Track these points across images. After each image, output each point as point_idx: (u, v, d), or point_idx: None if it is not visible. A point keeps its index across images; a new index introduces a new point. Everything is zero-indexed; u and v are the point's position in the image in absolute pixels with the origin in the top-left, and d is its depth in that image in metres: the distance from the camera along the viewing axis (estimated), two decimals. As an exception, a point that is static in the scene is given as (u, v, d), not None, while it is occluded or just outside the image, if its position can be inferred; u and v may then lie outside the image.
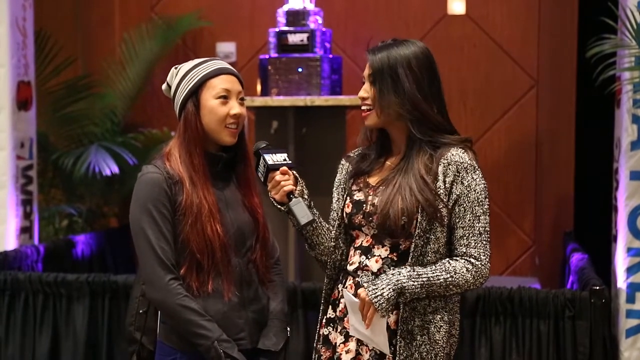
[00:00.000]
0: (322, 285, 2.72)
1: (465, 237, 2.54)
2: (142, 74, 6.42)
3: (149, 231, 2.53)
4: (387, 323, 2.53)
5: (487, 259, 2.55)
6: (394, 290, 2.47)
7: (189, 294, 2.54)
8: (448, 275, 2.51)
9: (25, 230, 5.22)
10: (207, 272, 2.56)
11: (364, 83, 2.63)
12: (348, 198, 2.65)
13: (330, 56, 5.45)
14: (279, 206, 2.62)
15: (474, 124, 6.18)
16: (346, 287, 2.61)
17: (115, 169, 5.90)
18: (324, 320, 2.70)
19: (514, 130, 6.24)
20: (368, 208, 2.59)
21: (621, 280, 4.20)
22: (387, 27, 6.21)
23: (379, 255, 2.58)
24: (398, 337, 2.52)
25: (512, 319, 4.05)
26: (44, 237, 5.91)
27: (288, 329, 2.71)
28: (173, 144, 2.65)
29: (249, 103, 5.12)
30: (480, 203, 2.54)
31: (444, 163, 2.54)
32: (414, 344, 2.53)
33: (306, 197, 2.65)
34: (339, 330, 2.64)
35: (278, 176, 2.60)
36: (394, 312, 2.54)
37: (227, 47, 6.53)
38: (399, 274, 2.49)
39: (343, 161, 2.76)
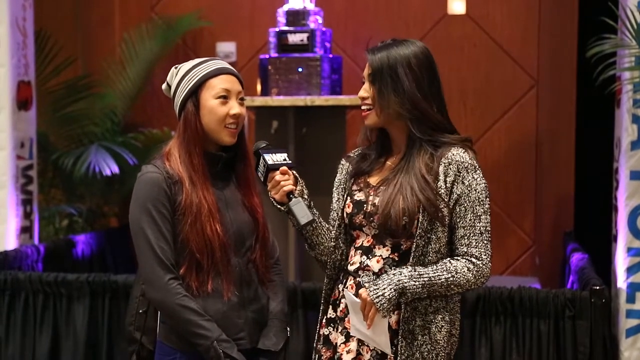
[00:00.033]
0: (322, 285, 2.72)
1: (466, 237, 2.54)
2: (142, 74, 6.42)
3: (148, 231, 2.53)
4: (389, 323, 2.53)
5: (488, 259, 2.55)
6: (395, 290, 2.47)
7: (189, 293, 2.54)
8: (449, 275, 2.51)
9: (26, 230, 5.22)
10: (207, 271, 2.56)
11: (363, 83, 2.63)
12: (348, 198, 2.65)
13: (331, 56, 5.45)
14: (278, 206, 2.62)
15: (474, 123, 6.18)
16: (347, 287, 2.61)
17: (116, 169, 5.90)
18: (324, 320, 2.70)
19: (514, 130, 6.24)
20: (369, 208, 2.59)
21: (621, 280, 4.20)
22: (387, 27, 6.21)
23: (380, 255, 2.57)
24: (399, 337, 2.52)
25: (512, 318, 4.05)
26: (44, 237, 5.91)
27: (288, 329, 2.71)
28: (173, 143, 2.65)
29: (249, 103, 5.13)
30: (481, 202, 2.54)
31: (444, 163, 2.55)
32: (415, 343, 2.53)
33: (306, 197, 2.65)
34: (339, 331, 2.64)
35: (278, 176, 2.60)
36: (395, 312, 2.54)
37: (227, 47, 6.53)
38: (400, 274, 2.49)
39: (343, 161, 2.76)
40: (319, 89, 5.33)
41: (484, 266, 2.54)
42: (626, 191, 4.21)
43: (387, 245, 2.57)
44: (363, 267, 2.59)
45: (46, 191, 6.30)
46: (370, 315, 2.48)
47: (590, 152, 5.91)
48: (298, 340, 4.19)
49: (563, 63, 6.12)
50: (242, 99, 2.66)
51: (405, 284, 2.48)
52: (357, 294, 2.55)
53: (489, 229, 2.56)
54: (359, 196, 2.63)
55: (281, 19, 5.50)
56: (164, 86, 2.72)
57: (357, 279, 2.60)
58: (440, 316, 2.57)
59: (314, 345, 2.73)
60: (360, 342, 2.59)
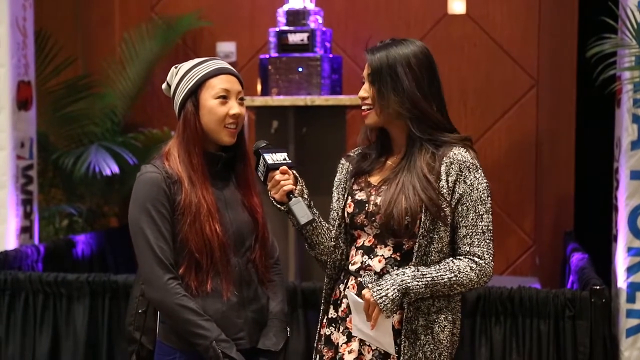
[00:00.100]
0: (322, 285, 2.71)
1: (468, 236, 2.54)
2: (142, 74, 6.42)
3: (147, 231, 2.53)
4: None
5: (491, 258, 2.55)
6: (398, 290, 2.47)
7: (188, 293, 2.54)
8: (452, 275, 2.51)
9: (26, 230, 5.22)
10: (206, 271, 2.56)
11: (363, 83, 2.63)
12: (349, 198, 2.65)
13: (331, 56, 5.45)
14: (278, 206, 2.62)
15: (474, 123, 6.18)
16: (348, 287, 2.61)
17: (116, 169, 5.91)
18: (324, 320, 2.70)
19: (514, 129, 6.25)
20: (370, 208, 2.59)
21: (621, 280, 4.20)
22: (388, 26, 6.21)
23: (382, 255, 2.57)
24: (402, 336, 2.52)
25: (512, 318, 4.05)
26: (44, 237, 5.91)
27: (288, 328, 2.71)
28: (172, 143, 2.65)
29: (249, 103, 5.13)
30: (483, 202, 2.55)
31: (446, 162, 2.54)
32: (418, 343, 2.53)
33: (306, 196, 2.65)
34: (341, 331, 2.64)
35: (278, 175, 2.60)
36: (397, 312, 2.54)
37: (227, 47, 6.53)
38: (404, 274, 2.49)
39: (343, 161, 2.76)
40: (319, 89, 5.33)
41: (486, 265, 2.54)
42: (626, 191, 4.21)
43: (388, 245, 2.57)
44: (364, 267, 2.59)
45: (46, 191, 6.30)
46: (374, 316, 2.48)
47: (590, 152, 5.91)
48: (298, 340, 4.19)
49: (563, 63, 6.12)
50: (241, 99, 2.65)
51: (409, 284, 2.48)
52: (358, 294, 2.55)
53: (491, 228, 2.56)
54: (360, 196, 2.63)
55: (281, 18, 5.50)
56: (164, 86, 2.72)
57: (359, 278, 2.59)
58: (443, 316, 2.57)
59: (315, 345, 2.73)
60: (362, 342, 2.59)
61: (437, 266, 2.52)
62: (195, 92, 2.61)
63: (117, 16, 6.71)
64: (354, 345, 2.59)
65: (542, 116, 6.20)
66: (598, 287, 3.98)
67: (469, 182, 2.54)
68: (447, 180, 2.54)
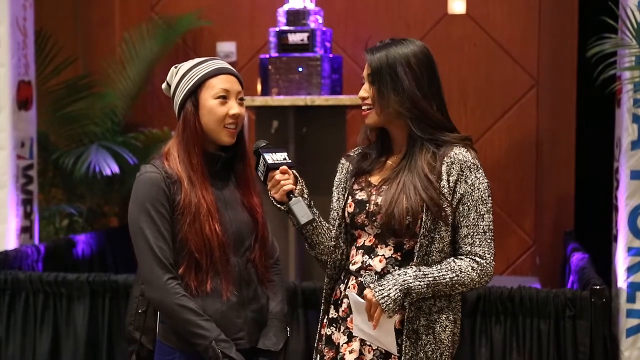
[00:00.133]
0: (323, 285, 2.71)
1: (469, 236, 2.54)
2: (143, 74, 6.42)
3: (147, 230, 2.53)
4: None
5: (492, 257, 2.55)
6: (400, 290, 2.47)
7: (188, 293, 2.54)
8: (454, 275, 2.51)
9: (26, 230, 5.22)
10: (206, 271, 2.56)
11: (363, 83, 2.63)
12: (350, 197, 2.65)
13: (331, 56, 5.45)
14: (278, 205, 2.62)
15: (474, 123, 6.18)
16: (349, 287, 2.61)
17: (116, 169, 5.91)
18: (325, 320, 2.70)
19: (514, 129, 6.25)
20: (371, 207, 2.59)
21: (622, 280, 4.20)
22: (388, 26, 6.21)
23: (383, 255, 2.57)
24: (404, 336, 2.52)
25: (512, 318, 4.05)
26: (45, 237, 5.91)
27: (288, 328, 2.71)
28: (172, 143, 2.65)
29: (250, 103, 5.13)
30: (484, 202, 2.55)
31: (447, 162, 2.55)
32: (419, 343, 2.53)
33: (306, 196, 2.65)
34: (342, 331, 2.63)
35: (278, 175, 2.60)
36: (399, 312, 2.53)
37: (227, 47, 6.53)
38: (405, 274, 2.49)
39: (343, 160, 2.76)
40: (319, 89, 5.33)
41: (487, 265, 2.54)
42: (626, 191, 4.21)
43: (389, 245, 2.57)
44: (365, 267, 2.59)
45: (46, 191, 6.30)
46: (376, 316, 2.48)
47: (590, 152, 5.91)
48: (298, 340, 4.19)
49: (563, 63, 6.12)
50: (241, 99, 2.65)
51: (411, 284, 2.48)
52: (359, 294, 2.55)
53: (492, 227, 2.56)
54: (361, 195, 2.63)
55: (281, 18, 5.49)
56: (163, 86, 2.72)
57: (359, 278, 2.59)
58: (445, 315, 2.57)
59: (315, 345, 2.73)
60: (363, 342, 2.59)
61: (439, 266, 2.52)
62: (195, 92, 2.61)
63: (117, 16, 6.71)
64: (355, 345, 2.59)
65: (542, 116, 6.20)
66: (598, 287, 3.98)
67: (470, 182, 2.54)
68: (448, 180, 2.54)
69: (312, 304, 4.18)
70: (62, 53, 6.21)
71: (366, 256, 2.60)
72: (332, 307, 2.69)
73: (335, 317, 2.67)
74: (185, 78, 2.62)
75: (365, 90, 2.62)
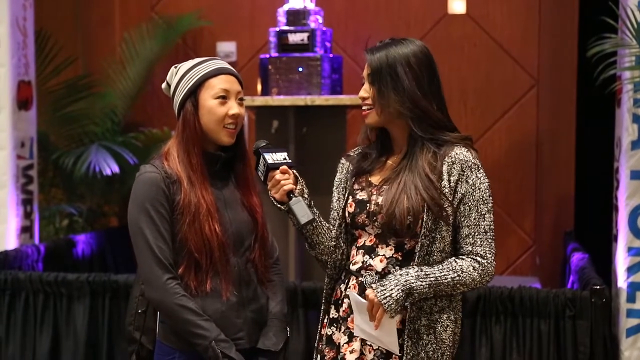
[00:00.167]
0: (323, 285, 2.71)
1: (470, 236, 2.54)
2: (143, 74, 6.42)
3: (146, 230, 2.53)
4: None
5: (493, 257, 2.56)
6: (402, 291, 2.47)
7: (187, 293, 2.54)
8: (455, 275, 2.51)
9: (26, 230, 5.22)
10: (206, 271, 2.56)
11: (364, 83, 2.63)
12: (350, 197, 2.65)
13: (331, 55, 5.45)
14: (279, 205, 2.62)
15: (474, 123, 6.18)
16: (349, 287, 2.61)
17: (116, 169, 5.91)
18: (325, 320, 2.70)
19: (514, 129, 6.24)
20: (372, 207, 2.58)
21: (622, 280, 4.20)
22: (388, 26, 6.21)
23: (384, 255, 2.57)
24: (405, 336, 2.52)
25: (512, 318, 4.05)
26: (45, 237, 5.91)
27: (288, 328, 2.70)
28: (171, 143, 2.65)
29: (250, 103, 5.12)
30: (485, 201, 2.55)
31: (448, 162, 2.55)
32: (421, 343, 2.53)
33: (306, 196, 2.65)
34: (342, 330, 2.63)
35: (278, 175, 2.60)
36: (400, 312, 2.53)
37: (227, 47, 6.53)
38: (407, 275, 2.49)
39: (343, 160, 2.76)
40: (319, 89, 5.33)
41: (488, 265, 2.54)
42: (626, 191, 4.21)
43: (390, 245, 2.57)
44: (366, 267, 2.59)
45: (46, 191, 6.30)
46: (378, 316, 2.48)
47: (590, 152, 5.90)
48: (298, 340, 4.19)
49: (563, 63, 6.12)
50: (241, 99, 2.65)
51: (413, 285, 2.48)
52: (360, 294, 2.55)
53: (493, 227, 2.57)
54: (361, 195, 2.63)
55: (281, 18, 5.49)
56: (163, 85, 2.72)
57: (360, 278, 2.59)
58: (446, 315, 2.57)
59: (315, 345, 2.73)
60: (364, 342, 2.59)
61: (440, 266, 2.52)
62: (194, 92, 2.61)
63: (117, 16, 6.71)
64: (356, 345, 2.59)
65: (543, 116, 6.20)
66: (598, 287, 3.98)
67: (471, 182, 2.54)
68: (449, 180, 2.54)
69: (312, 304, 4.18)
70: (62, 53, 6.22)
71: (367, 256, 2.60)
72: (332, 307, 2.68)
73: (335, 317, 2.67)
74: (185, 78, 2.62)
75: (365, 91, 2.62)
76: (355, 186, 2.66)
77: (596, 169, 5.46)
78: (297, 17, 5.46)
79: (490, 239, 2.55)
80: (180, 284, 2.54)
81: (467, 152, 2.57)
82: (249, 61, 6.44)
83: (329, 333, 2.67)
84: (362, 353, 2.59)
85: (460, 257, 2.55)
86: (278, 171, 2.61)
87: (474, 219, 2.54)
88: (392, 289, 2.47)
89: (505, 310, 4.05)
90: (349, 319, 2.61)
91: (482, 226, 2.54)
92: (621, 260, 4.21)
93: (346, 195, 2.67)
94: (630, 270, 4.17)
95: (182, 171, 2.58)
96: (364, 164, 2.68)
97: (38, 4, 5.53)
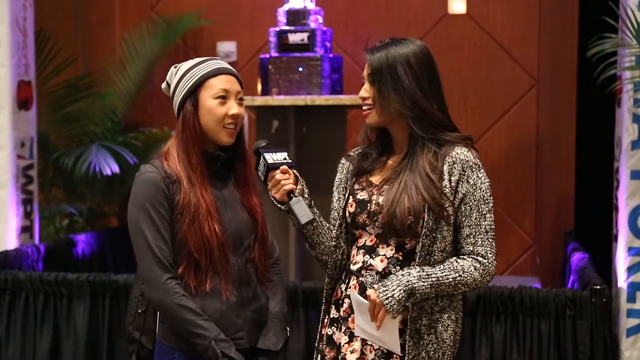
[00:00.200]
0: (323, 284, 2.71)
1: (472, 236, 2.54)
2: (143, 73, 6.42)
3: (146, 230, 2.53)
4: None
5: (494, 257, 2.56)
6: (404, 291, 2.47)
7: (187, 293, 2.54)
8: (457, 275, 2.51)
9: (26, 230, 5.22)
10: (205, 271, 2.56)
11: (364, 83, 2.63)
12: (351, 197, 2.65)
13: (331, 55, 5.45)
14: (279, 205, 2.62)
15: (474, 123, 6.18)
16: (350, 287, 2.61)
17: (116, 169, 5.91)
18: (326, 320, 2.70)
19: (514, 129, 6.24)
20: (373, 207, 2.58)
21: (622, 280, 4.20)
22: (388, 26, 6.21)
23: (384, 255, 2.57)
24: (407, 336, 2.52)
25: (512, 318, 4.05)
26: (45, 237, 5.91)
27: (287, 328, 2.70)
28: (171, 143, 2.65)
29: (250, 102, 5.13)
30: (486, 201, 2.55)
31: (449, 162, 2.54)
32: (422, 343, 2.53)
33: (306, 196, 2.65)
34: (343, 330, 2.63)
35: (278, 175, 2.60)
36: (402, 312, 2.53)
37: (227, 47, 6.53)
38: (409, 275, 2.49)
39: (343, 160, 2.76)
40: (320, 89, 5.33)
41: (489, 265, 2.55)
42: (627, 191, 4.21)
43: (391, 245, 2.57)
44: (366, 267, 2.59)
45: (47, 191, 6.30)
46: (380, 317, 2.48)
47: (590, 152, 5.90)
48: (298, 340, 4.19)
49: (563, 62, 6.12)
50: (241, 99, 2.65)
51: (415, 285, 2.48)
52: (360, 294, 2.55)
53: (494, 227, 2.57)
54: (362, 195, 2.62)
55: (281, 18, 5.49)
56: (163, 85, 2.72)
57: (360, 278, 2.59)
58: (447, 315, 2.57)
59: (316, 345, 2.73)
60: (364, 342, 2.58)
61: (442, 266, 2.52)
62: (194, 92, 2.61)
63: (118, 16, 6.71)
64: (356, 345, 2.59)
65: (543, 116, 6.20)
66: (598, 287, 3.98)
67: (472, 182, 2.54)
68: (450, 180, 2.54)
69: (312, 304, 4.18)
70: (62, 53, 6.22)
71: (367, 256, 2.59)
72: (333, 307, 2.68)
73: (336, 317, 2.67)
74: (185, 78, 2.62)
75: (365, 91, 2.62)
76: (356, 186, 2.66)
77: (596, 168, 5.46)
78: (297, 17, 5.46)
79: (491, 238, 2.55)
80: (180, 283, 2.54)
81: (468, 152, 2.57)
82: (249, 61, 6.44)
83: (329, 333, 2.67)
84: (362, 353, 2.59)
85: (462, 257, 2.55)
86: (278, 171, 2.61)
87: (475, 218, 2.54)
88: (394, 290, 2.47)
89: (506, 310, 4.05)
90: (349, 319, 2.61)
91: (483, 226, 2.54)
92: (621, 260, 4.21)
93: (346, 195, 2.67)
94: (631, 270, 4.17)
95: (181, 171, 2.58)
96: (365, 163, 2.68)
97: (38, 4, 5.53)
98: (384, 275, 2.56)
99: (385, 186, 2.59)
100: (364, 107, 2.63)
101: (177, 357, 2.58)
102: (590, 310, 3.97)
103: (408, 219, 2.50)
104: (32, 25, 5.33)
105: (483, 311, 4.06)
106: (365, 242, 2.61)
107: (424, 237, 2.51)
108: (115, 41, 6.64)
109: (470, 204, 2.54)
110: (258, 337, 2.64)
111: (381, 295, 2.47)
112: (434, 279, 2.49)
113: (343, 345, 2.62)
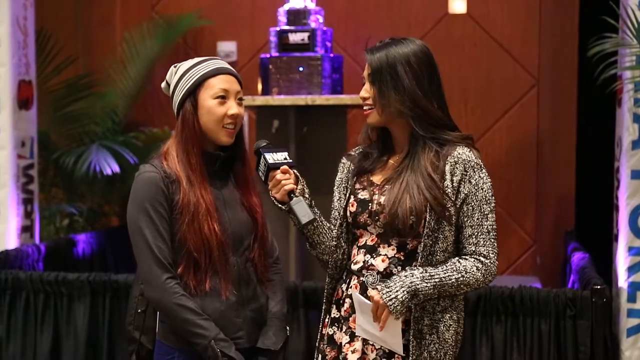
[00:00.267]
0: (324, 284, 2.71)
1: (474, 236, 2.54)
2: (143, 73, 6.42)
3: (146, 230, 2.53)
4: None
5: (496, 257, 2.56)
6: (408, 292, 2.47)
7: (187, 292, 2.54)
8: (459, 275, 2.51)
9: (26, 230, 5.22)
10: (205, 271, 2.56)
11: (364, 83, 2.63)
12: (352, 197, 2.65)
13: (331, 55, 5.44)
14: (279, 205, 2.62)
15: (475, 123, 6.17)
16: (351, 287, 2.61)
17: (116, 168, 5.91)
18: (327, 320, 2.70)
19: (515, 129, 6.24)
20: (374, 207, 2.58)
21: (622, 280, 4.20)
22: (388, 26, 6.21)
23: (385, 255, 2.57)
24: (410, 337, 2.52)
25: (513, 318, 4.05)
26: (45, 236, 5.91)
27: (287, 328, 2.70)
28: (171, 143, 2.65)
29: (250, 102, 5.13)
30: (488, 201, 2.55)
31: (451, 162, 2.54)
32: (423, 343, 2.53)
33: (307, 196, 2.65)
34: (344, 330, 2.63)
35: (279, 175, 2.60)
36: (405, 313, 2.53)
37: (227, 46, 6.53)
38: (412, 276, 2.49)
39: (344, 160, 2.76)
40: (320, 88, 5.33)
41: (491, 265, 2.55)
42: (627, 190, 4.21)
43: (392, 245, 2.57)
44: (367, 267, 2.59)
45: (47, 190, 6.30)
46: (383, 318, 2.47)
47: (591, 152, 5.90)
48: (299, 339, 4.19)
49: (564, 62, 6.12)
50: (240, 99, 2.65)
51: (418, 286, 2.48)
52: (362, 294, 2.54)
53: (495, 227, 2.57)
54: (363, 195, 2.62)
55: (282, 18, 5.49)
56: (163, 85, 2.72)
57: (361, 278, 2.59)
58: (448, 315, 2.57)
59: (317, 344, 2.73)
60: (365, 342, 2.58)
61: (444, 266, 2.52)
62: (194, 92, 2.61)
63: (118, 15, 6.71)
64: (357, 344, 2.59)
65: (543, 115, 6.20)
66: (599, 287, 3.98)
67: (474, 182, 2.54)
68: (451, 180, 2.54)
69: (313, 304, 4.18)
70: (63, 52, 6.22)
71: (368, 255, 2.59)
72: (334, 306, 2.68)
73: (337, 316, 2.67)
74: (185, 77, 2.62)
75: (366, 91, 2.62)
76: (357, 186, 2.66)
77: (597, 168, 5.46)
78: (297, 17, 5.45)
79: (493, 238, 2.55)
80: (180, 283, 2.54)
81: (469, 152, 2.57)
82: (250, 61, 6.44)
83: (330, 333, 2.67)
84: (364, 353, 2.59)
85: (464, 257, 2.55)
86: (279, 171, 2.61)
87: (477, 219, 2.54)
88: (397, 291, 2.47)
89: (506, 309, 4.04)
90: (350, 318, 2.61)
91: (485, 226, 2.54)
92: (622, 260, 4.21)
93: (347, 195, 2.67)
94: (631, 270, 4.17)
95: (181, 171, 2.58)
96: (365, 163, 2.68)
97: (39, 4, 5.52)
98: (385, 275, 2.55)
99: (386, 186, 2.59)
100: (364, 107, 2.63)
101: (177, 356, 2.58)
102: (590, 310, 3.97)
103: (410, 219, 2.50)
104: (33, 25, 5.33)
105: (483, 311, 4.06)
106: (366, 242, 2.61)
107: (426, 237, 2.51)
108: (116, 41, 6.64)
109: (473, 204, 2.54)
110: (258, 336, 2.64)
111: (384, 296, 2.47)
112: (437, 280, 2.49)
113: (344, 345, 2.62)
